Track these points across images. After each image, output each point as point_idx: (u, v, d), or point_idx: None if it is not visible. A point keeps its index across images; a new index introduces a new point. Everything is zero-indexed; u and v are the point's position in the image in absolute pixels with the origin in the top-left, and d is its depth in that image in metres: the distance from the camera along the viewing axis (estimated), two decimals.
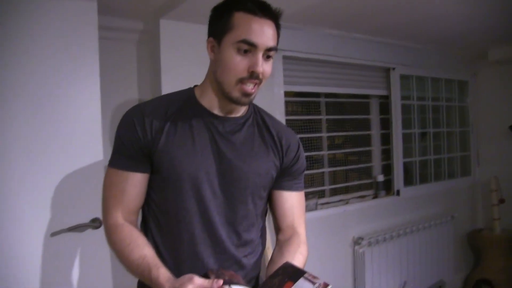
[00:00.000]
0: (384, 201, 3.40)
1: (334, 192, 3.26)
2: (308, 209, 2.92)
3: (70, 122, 1.81)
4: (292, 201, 1.32)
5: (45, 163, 1.75)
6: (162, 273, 1.06)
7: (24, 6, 1.70)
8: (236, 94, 1.13)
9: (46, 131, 1.75)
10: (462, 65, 4.02)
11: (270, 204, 1.34)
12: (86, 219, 1.82)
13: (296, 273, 1.08)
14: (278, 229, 1.33)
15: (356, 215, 3.18)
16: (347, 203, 3.23)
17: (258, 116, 1.30)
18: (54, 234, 1.77)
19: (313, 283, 1.02)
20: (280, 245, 1.28)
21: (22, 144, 1.70)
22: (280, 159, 1.28)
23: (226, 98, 1.17)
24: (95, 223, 1.83)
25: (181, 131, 1.17)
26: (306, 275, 1.05)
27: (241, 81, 1.12)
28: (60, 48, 1.78)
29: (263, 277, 1.37)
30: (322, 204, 3.12)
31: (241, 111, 1.25)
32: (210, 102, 1.21)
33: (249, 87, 1.12)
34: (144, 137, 1.15)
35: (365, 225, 3.20)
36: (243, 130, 1.24)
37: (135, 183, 1.18)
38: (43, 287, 1.74)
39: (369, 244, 3.08)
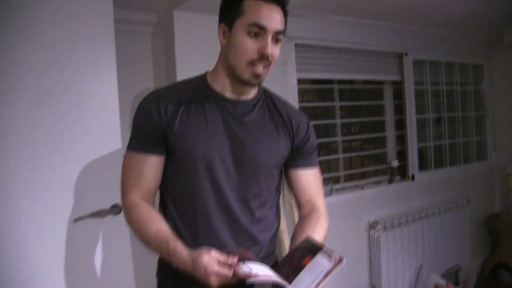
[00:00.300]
0: (399, 186, 3.42)
1: (349, 179, 3.29)
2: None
3: (89, 113, 1.88)
4: (307, 177, 1.39)
5: (67, 153, 1.82)
6: (180, 244, 1.13)
7: (40, 1, 1.75)
8: (247, 75, 1.19)
9: (67, 122, 1.82)
10: (476, 49, 3.98)
11: (288, 183, 1.41)
12: (106, 206, 1.90)
13: (314, 247, 1.13)
14: (298, 205, 1.41)
15: (371, 200, 3.21)
16: (362, 188, 3.26)
17: (268, 98, 1.35)
18: (76, 220, 1.84)
19: (330, 257, 1.07)
20: (301, 220, 1.35)
21: (44, 136, 1.77)
22: (291, 138, 1.34)
23: (237, 80, 1.23)
24: (115, 209, 1.90)
25: (194, 114, 1.23)
26: (324, 249, 1.10)
27: (252, 62, 1.18)
28: (77, 42, 1.84)
29: (278, 254, 1.43)
30: (337, 189, 3.16)
31: (251, 93, 1.30)
32: (222, 86, 1.27)
33: (259, 68, 1.18)
34: (160, 121, 1.21)
35: (380, 210, 3.22)
36: (254, 112, 1.30)
37: (152, 165, 1.24)
38: (67, 270, 1.82)
39: (385, 228, 3.11)
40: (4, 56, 1.68)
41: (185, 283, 1.21)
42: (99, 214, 1.88)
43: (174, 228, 1.22)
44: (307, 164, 1.39)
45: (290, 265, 1.11)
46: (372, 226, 3.12)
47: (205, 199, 1.23)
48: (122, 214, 1.91)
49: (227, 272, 1.04)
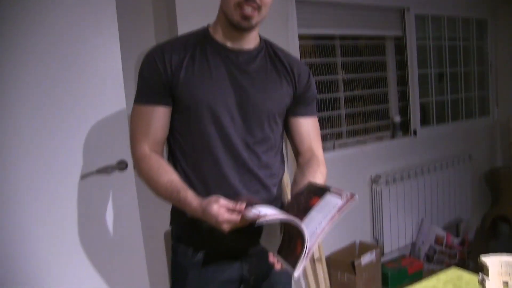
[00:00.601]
0: (401, 141, 3.45)
1: (352, 135, 3.32)
2: (325, 149, 2.99)
3: (93, 73, 1.90)
4: (307, 126, 1.41)
5: (72, 114, 1.85)
6: (190, 193, 1.16)
7: None
8: (236, 18, 1.21)
9: (71, 83, 1.84)
10: (480, 2, 3.93)
11: (288, 131, 1.43)
12: (113, 163, 1.94)
13: (320, 189, 1.15)
14: (297, 153, 1.44)
15: (374, 155, 3.24)
16: (364, 143, 3.29)
17: (269, 48, 1.37)
18: (83, 176, 1.88)
19: (340, 196, 1.08)
20: (301, 167, 1.38)
21: (49, 97, 1.80)
22: (293, 86, 1.36)
23: (231, 26, 1.24)
24: (121, 165, 1.94)
25: (199, 65, 1.25)
26: (332, 189, 1.12)
27: (239, 5, 1.19)
28: (79, 2, 1.84)
29: (284, 199, 1.46)
30: (340, 145, 3.19)
31: (252, 43, 1.32)
32: (223, 36, 1.29)
33: (247, 10, 1.19)
34: (165, 72, 1.23)
35: (382, 164, 3.27)
36: (256, 61, 1.31)
37: (159, 116, 1.26)
38: (80, 226, 1.88)
39: (387, 182, 3.16)
40: (7, 17, 1.68)
41: (198, 230, 1.26)
42: (105, 170, 1.92)
43: (184, 177, 1.26)
44: (307, 113, 1.41)
45: (296, 208, 1.14)
46: (375, 180, 3.17)
47: (213, 147, 1.25)
48: (128, 171, 1.96)
49: (237, 217, 1.07)
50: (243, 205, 1.07)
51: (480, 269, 0.99)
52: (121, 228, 1.99)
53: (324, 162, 1.40)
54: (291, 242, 1.08)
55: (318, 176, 1.32)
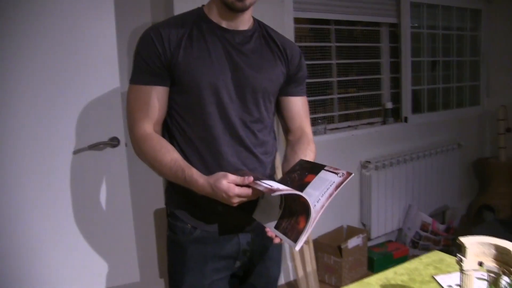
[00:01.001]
0: (392, 127, 3.48)
1: (344, 120, 3.35)
2: (316, 133, 3.01)
3: (87, 52, 1.90)
4: (298, 105, 1.45)
5: (68, 92, 1.87)
6: (195, 171, 1.18)
7: None
8: None
9: (65, 61, 1.85)
10: None
11: (279, 110, 1.47)
12: (105, 139, 1.95)
13: (315, 167, 1.17)
14: (287, 131, 1.48)
15: (364, 140, 3.27)
16: (356, 128, 3.32)
17: (263, 29, 1.39)
18: (76, 152, 1.90)
19: (336, 173, 1.10)
20: (291, 145, 1.43)
21: (43, 75, 1.81)
22: (286, 66, 1.39)
23: (225, 6, 1.25)
24: (113, 142, 1.95)
25: (197, 45, 1.26)
26: (326, 167, 1.14)
27: None
28: None
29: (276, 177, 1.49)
30: (331, 129, 3.21)
31: (246, 24, 1.34)
32: (218, 16, 1.30)
33: None
34: (164, 52, 1.24)
35: (372, 150, 3.29)
36: (252, 41, 1.33)
37: (158, 96, 1.27)
38: (72, 198, 1.90)
39: (376, 168, 3.19)
40: None
41: (196, 207, 1.30)
42: (97, 146, 1.94)
43: (182, 157, 1.26)
44: (298, 92, 1.46)
45: (290, 184, 1.16)
46: (364, 165, 3.20)
47: (212, 125, 1.27)
48: (120, 147, 1.98)
49: (248, 191, 1.11)
50: (251, 178, 1.09)
51: (459, 251, 1.02)
52: (111, 202, 2.02)
53: (313, 139, 1.45)
54: (293, 217, 1.10)
55: (309, 153, 1.36)
